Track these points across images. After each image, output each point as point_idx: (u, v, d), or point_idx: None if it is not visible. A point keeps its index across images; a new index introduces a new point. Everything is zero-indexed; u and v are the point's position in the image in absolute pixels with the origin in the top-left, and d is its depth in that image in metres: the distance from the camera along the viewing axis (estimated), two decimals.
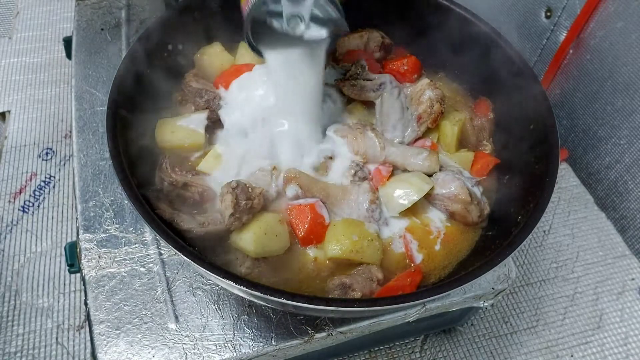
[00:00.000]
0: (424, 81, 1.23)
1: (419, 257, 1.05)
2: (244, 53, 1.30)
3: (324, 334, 0.98)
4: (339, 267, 1.02)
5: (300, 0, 0.91)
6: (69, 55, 1.48)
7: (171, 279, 1.04)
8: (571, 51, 1.58)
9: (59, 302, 1.33)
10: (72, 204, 1.50)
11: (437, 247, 1.07)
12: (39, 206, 1.50)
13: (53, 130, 1.67)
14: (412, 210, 1.08)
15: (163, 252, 1.07)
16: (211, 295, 1.03)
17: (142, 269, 1.05)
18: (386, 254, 1.05)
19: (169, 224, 0.98)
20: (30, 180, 1.55)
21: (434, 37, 1.30)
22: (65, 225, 1.47)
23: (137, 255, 1.07)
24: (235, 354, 0.96)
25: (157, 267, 1.05)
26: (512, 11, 1.73)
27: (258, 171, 1.05)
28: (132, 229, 1.10)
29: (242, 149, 1.14)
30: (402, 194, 1.07)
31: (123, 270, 1.05)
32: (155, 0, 1.55)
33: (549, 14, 1.60)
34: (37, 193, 1.53)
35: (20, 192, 1.52)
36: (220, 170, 1.10)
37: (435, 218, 1.11)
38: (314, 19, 0.95)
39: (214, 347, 0.96)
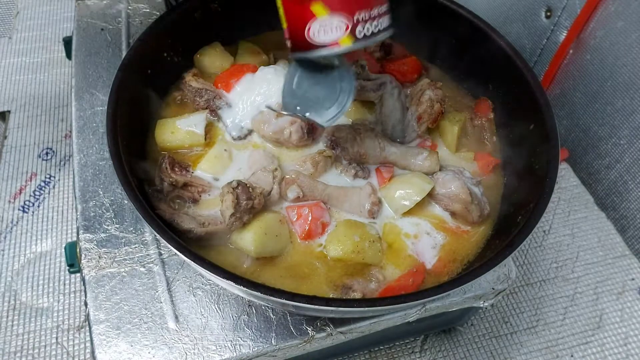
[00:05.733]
0: (424, 81, 1.23)
1: (427, 258, 1.05)
2: (244, 53, 1.30)
3: (324, 334, 0.98)
4: (340, 267, 1.02)
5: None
6: (69, 55, 1.48)
7: (171, 279, 1.04)
8: (571, 51, 1.58)
9: (59, 302, 1.33)
10: (72, 204, 1.49)
11: (446, 247, 1.07)
12: (39, 206, 1.50)
13: (53, 130, 1.67)
14: (414, 210, 1.08)
15: (163, 252, 1.07)
16: (211, 295, 1.03)
17: (142, 269, 1.05)
18: (390, 254, 1.05)
19: (169, 224, 0.98)
20: (30, 180, 1.55)
21: (434, 37, 1.30)
22: (65, 225, 1.47)
23: (137, 255, 1.07)
24: (235, 354, 0.96)
25: (157, 267, 1.05)
26: (512, 11, 1.73)
27: (259, 171, 1.05)
28: (132, 229, 1.10)
29: (242, 148, 1.15)
30: (404, 194, 1.07)
31: (123, 270, 1.05)
32: (155, 0, 1.54)
33: (549, 14, 1.60)
34: (37, 193, 1.52)
35: (20, 192, 1.52)
36: (221, 170, 1.10)
37: (441, 216, 1.10)
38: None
39: (214, 347, 0.96)
